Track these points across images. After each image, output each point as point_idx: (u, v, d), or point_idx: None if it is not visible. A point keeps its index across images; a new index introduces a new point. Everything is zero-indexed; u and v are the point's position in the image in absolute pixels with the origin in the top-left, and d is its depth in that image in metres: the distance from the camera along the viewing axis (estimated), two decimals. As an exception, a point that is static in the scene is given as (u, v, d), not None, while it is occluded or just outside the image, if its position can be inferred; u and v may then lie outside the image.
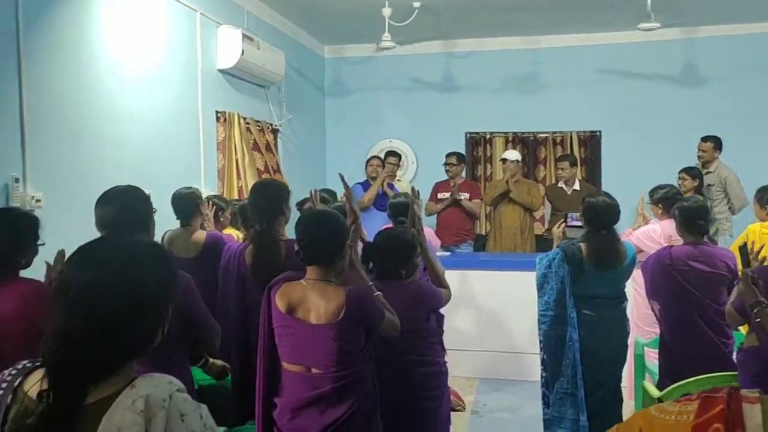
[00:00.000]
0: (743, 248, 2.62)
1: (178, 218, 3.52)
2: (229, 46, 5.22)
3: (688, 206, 3.50)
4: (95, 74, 3.81)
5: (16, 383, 1.16)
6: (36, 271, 2.28)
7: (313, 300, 2.25)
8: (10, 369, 1.20)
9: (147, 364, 1.24)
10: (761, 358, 2.56)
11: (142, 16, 4.26)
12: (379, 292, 2.39)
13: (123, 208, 2.31)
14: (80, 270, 1.18)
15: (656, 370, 3.71)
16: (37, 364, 1.19)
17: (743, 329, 3.20)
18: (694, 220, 3.43)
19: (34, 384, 1.14)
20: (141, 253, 1.26)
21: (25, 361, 1.21)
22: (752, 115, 6.57)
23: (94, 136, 3.78)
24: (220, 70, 5.27)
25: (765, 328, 2.40)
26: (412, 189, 3.18)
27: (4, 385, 1.16)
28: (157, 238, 2.99)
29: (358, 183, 6.09)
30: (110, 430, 1.06)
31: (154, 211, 2.52)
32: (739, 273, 2.84)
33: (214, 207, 3.85)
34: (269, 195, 2.88)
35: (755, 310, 2.43)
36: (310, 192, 3.29)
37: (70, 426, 1.08)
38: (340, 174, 3.23)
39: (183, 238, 3.47)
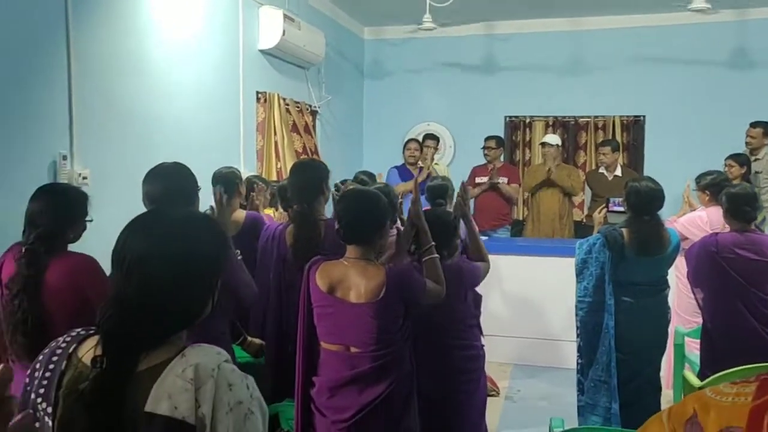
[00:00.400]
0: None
1: (218, 197, 3.55)
2: (270, 27, 5.24)
3: (735, 192, 3.40)
4: (141, 52, 3.86)
5: (71, 349, 1.19)
6: (83, 245, 2.34)
7: (353, 279, 2.26)
8: (65, 336, 1.23)
9: (193, 337, 1.27)
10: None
11: (186, -3, 4.30)
12: (436, 255, 2.41)
13: (170, 184, 2.35)
14: (136, 239, 1.20)
15: (696, 360, 3.64)
16: (92, 331, 1.22)
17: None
18: (741, 207, 3.34)
19: (88, 350, 1.17)
20: (195, 223, 1.28)
21: (80, 329, 1.24)
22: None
23: (139, 114, 3.85)
24: (261, 51, 5.30)
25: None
26: (462, 185, 3.07)
27: (59, 351, 1.20)
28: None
29: (394, 167, 6.08)
30: (161, 396, 1.09)
31: (199, 189, 2.56)
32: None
33: (248, 187, 3.89)
34: (309, 175, 2.89)
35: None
36: (338, 185, 3.28)
37: (122, 391, 1.10)
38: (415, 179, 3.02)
39: (223, 217, 3.51)
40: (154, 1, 3.95)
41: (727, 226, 3.49)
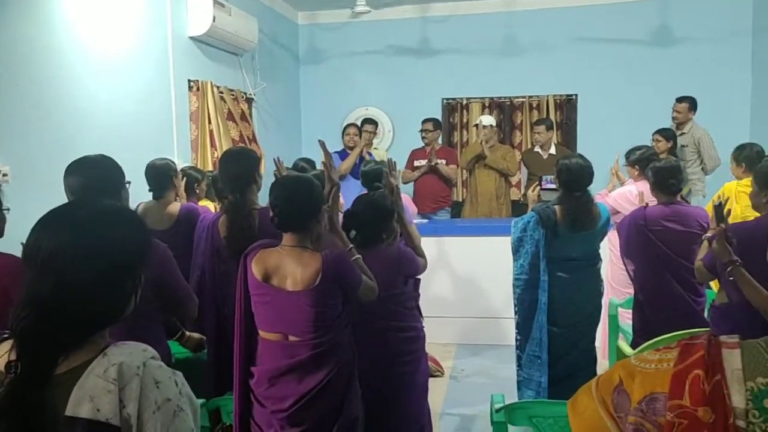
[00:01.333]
0: (718, 207, 2.63)
1: (151, 190, 3.47)
2: (199, 13, 5.12)
3: (660, 166, 3.53)
4: (62, 43, 3.71)
5: None
6: (5, 245, 2.24)
7: (289, 267, 2.25)
8: None
9: (121, 335, 1.23)
10: (732, 315, 2.60)
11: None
12: (359, 256, 2.40)
13: (91, 176, 2.26)
14: (49, 233, 1.13)
15: (630, 330, 3.78)
16: (5, 335, 1.16)
17: (714, 286, 3.26)
18: (667, 180, 3.46)
19: (2, 355, 1.12)
20: (112, 214, 1.22)
21: None
22: (726, 76, 6.61)
23: (63, 108, 3.70)
24: (192, 38, 5.17)
25: (739, 286, 2.43)
26: (389, 161, 3.15)
27: None
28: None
29: (335, 152, 6.03)
30: (82, 399, 1.05)
31: (127, 182, 2.48)
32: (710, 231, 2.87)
33: (186, 179, 3.79)
34: (239, 164, 2.83)
35: (728, 269, 2.45)
36: (274, 160, 3.25)
37: (39, 397, 1.06)
38: (320, 140, 3.20)
39: (156, 210, 3.43)
40: (74, -12, 3.80)
41: (654, 199, 3.61)
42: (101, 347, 1.13)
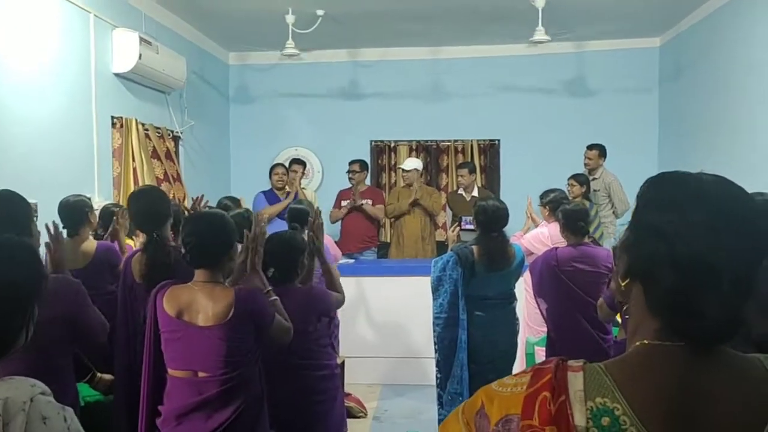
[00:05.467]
0: (616, 248, 2.80)
1: (64, 227, 3.38)
2: (125, 50, 5.08)
3: (569, 209, 3.71)
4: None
5: None
6: None
7: (201, 302, 2.25)
8: None
9: (22, 371, 1.21)
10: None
11: (31, 17, 4.09)
12: (276, 298, 2.42)
13: (-3, 212, 2.22)
14: None
15: (545, 366, 3.89)
16: None
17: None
18: (576, 222, 3.64)
19: None
20: (7, 249, 1.23)
21: None
22: (635, 124, 7.04)
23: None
24: (116, 74, 5.12)
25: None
26: (316, 209, 3.19)
27: None
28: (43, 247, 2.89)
29: (262, 192, 6.06)
30: None
31: (35, 218, 2.44)
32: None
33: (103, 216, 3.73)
34: (150, 202, 2.83)
35: (624, 307, 2.58)
36: (193, 199, 3.26)
37: None
38: (257, 214, 3.13)
39: (71, 248, 3.33)
40: (-8, 21, 3.74)
41: (564, 240, 3.78)
42: (-13, 382, 1.12)
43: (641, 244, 0.89)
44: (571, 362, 0.88)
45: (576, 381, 0.86)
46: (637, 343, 0.91)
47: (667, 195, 0.89)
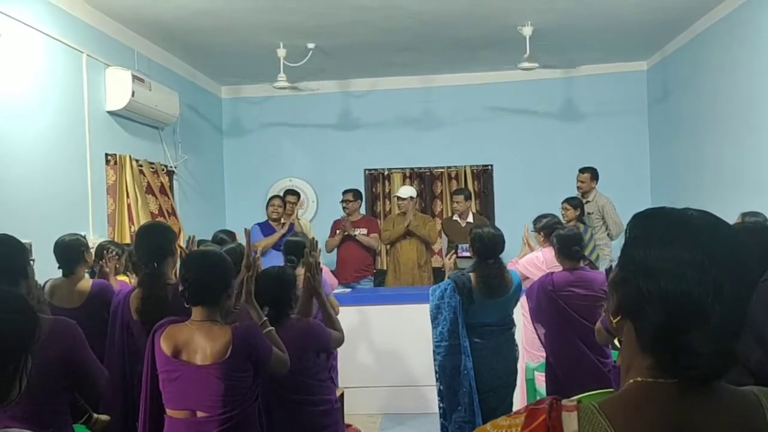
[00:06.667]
0: (608, 270, 2.82)
1: (60, 267, 3.39)
2: (118, 88, 5.13)
3: (563, 234, 3.72)
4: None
5: None
6: None
7: (198, 341, 2.24)
8: None
9: (20, 416, 1.21)
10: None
11: (24, 57, 4.13)
12: (272, 328, 2.42)
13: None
14: None
15: (545, 393, 3.87)
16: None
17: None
18: (570, 247, 3.65)
19: None
20: None
21: None
22: (627, 146, 7.11)
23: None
24: (110, 112, 5.16)
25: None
26: (312, 239, 3.17)
27: None
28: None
29: (257, 223, 6.07)
30: None
31: (32, 260, 2.44)
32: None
33: (111, 254, 3.74)
34: (154, 238, 2.84)
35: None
36: (188, 239, 3.26)
37: None
38: (246, 229, 3.16)
39: (66, 288, 3.33)
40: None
41: (559, 265, 3.79)
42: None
43: (629, 281, 0.90)
44: (564, 402, 0.89)
45: (570, 421, 0.86)
46: (631, 381, 0.91)
47: (654, 232, 0.90)
